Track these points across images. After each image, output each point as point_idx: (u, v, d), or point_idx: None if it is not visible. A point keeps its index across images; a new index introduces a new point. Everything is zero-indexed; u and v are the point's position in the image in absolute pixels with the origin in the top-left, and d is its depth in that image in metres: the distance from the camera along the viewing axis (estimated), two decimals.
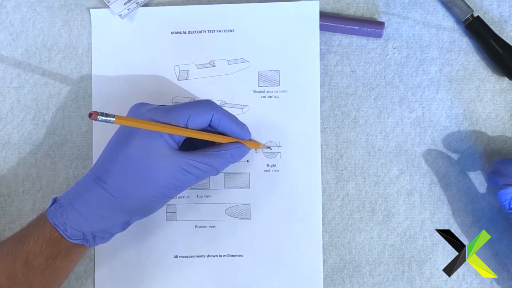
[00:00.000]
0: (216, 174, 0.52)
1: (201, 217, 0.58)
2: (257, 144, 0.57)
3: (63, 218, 0.49)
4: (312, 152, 0.58)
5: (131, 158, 0.48)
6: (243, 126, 0.54)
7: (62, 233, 0.49)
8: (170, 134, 0.49)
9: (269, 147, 0.58)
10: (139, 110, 0.50)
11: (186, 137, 0.51)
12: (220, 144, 0.52)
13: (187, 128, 0.50)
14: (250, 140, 0.55)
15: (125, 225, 0.51)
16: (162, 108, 0.50)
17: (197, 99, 0.58)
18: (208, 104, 0.52)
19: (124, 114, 0.50)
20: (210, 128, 0.52)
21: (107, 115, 0.44)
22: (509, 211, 0.52)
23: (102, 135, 0.58)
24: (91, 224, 0.49)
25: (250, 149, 0.55)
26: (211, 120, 0.51)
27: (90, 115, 0.43)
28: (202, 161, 0.50)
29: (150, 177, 0.49)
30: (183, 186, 0.50)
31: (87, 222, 0.49)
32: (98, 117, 0.44)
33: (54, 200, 0.50)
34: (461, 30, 0.58)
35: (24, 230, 0.51)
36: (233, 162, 0.53)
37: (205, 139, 0.51)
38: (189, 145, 0.53)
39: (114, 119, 0.45)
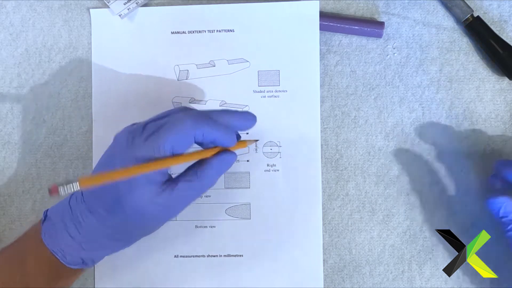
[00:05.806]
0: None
1: (201, 217, 0.58)
2: (243, 143, 0.52)
3: (60, 245, 0.47)
4: (312, 152, 0.58)
5: (120, 196, 0.45)
6: (226, 131, 0.48)
7: (61, 260, 0.48)
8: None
9: (256, 140, 0.56)
10: (127, 151, 0.46)
11: None
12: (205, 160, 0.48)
13: (172, 156, 0.45)
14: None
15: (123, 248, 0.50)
16: (144, 141, 0.45)
17: (197, 99, 0.58)
18: (186, 121, 0.46)
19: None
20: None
21: (68, 181, 0.39)
22: (500, 220, 0.51)
23: (102, 135, 0.58)
24: (89, 252, 0.48)
25: (237, 156, 0.50)
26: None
27: (49, 191, 0.39)
28: (191, 188, 0.47)
29: (139, 217, 0.46)
30: (176, 213, 0.48)
31: (86, 251, 0.48)
32: (60, 189, 0.39)
33: (45, 215, 0.49)
34: (461, 30, 0.58)
35: (18, 246, 0.49)
36: (222, 174, 0.49)
37: (188, 161, 0.47)
38: None
39: (77, 183, 0.40)
